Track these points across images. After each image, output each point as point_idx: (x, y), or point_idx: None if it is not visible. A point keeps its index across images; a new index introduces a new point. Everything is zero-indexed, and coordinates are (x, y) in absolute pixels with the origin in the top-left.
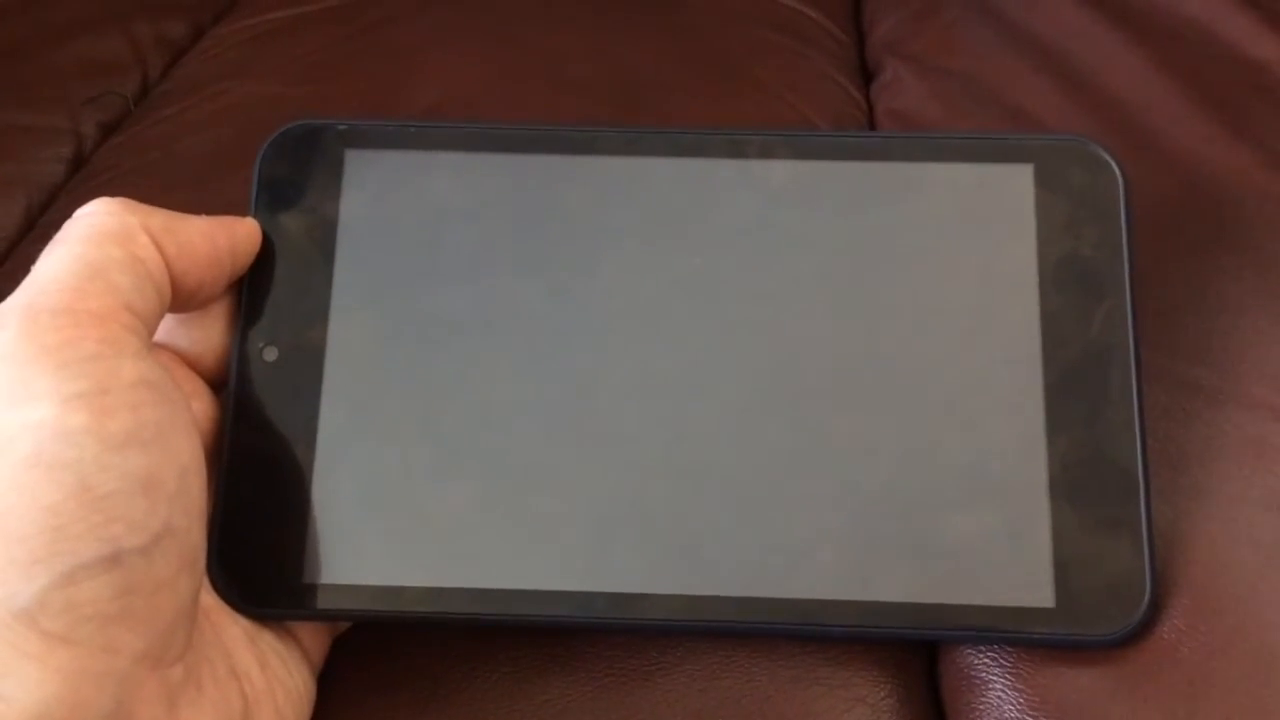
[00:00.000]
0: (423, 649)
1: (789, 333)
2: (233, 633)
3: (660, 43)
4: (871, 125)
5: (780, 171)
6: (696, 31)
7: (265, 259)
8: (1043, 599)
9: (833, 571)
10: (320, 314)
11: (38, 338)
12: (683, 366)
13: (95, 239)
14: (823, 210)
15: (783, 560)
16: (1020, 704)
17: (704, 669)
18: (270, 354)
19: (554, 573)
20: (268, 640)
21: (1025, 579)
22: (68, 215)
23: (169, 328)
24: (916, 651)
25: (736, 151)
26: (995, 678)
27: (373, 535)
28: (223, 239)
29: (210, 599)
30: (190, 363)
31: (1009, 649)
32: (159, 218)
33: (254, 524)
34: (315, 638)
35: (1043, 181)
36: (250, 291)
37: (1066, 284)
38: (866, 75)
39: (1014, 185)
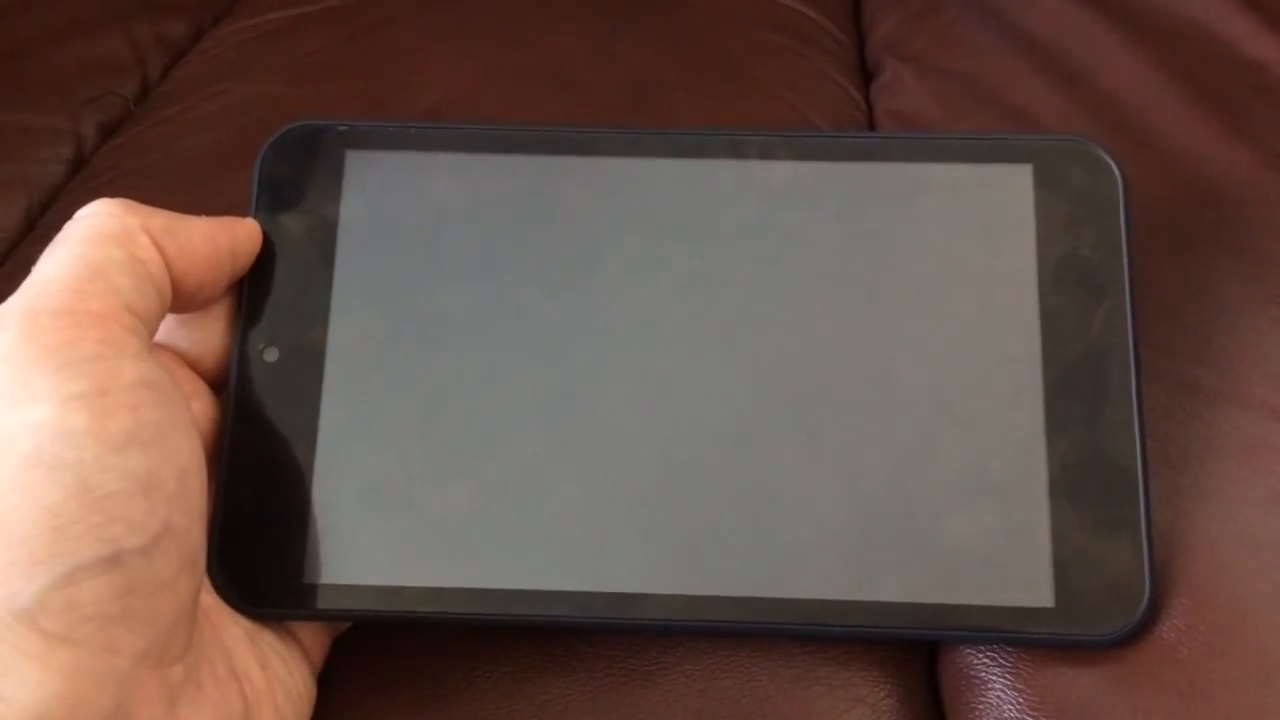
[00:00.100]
0: (423, 649)
1: (789, 333)
2: (233, 633)
3: (660, 43)
4: (871, 126)
5: (780, 172)
6: (696, 32)
7: (266, 260)
8: (1042, 599)
9: (833, 571)
10: (320, 315)
11: (38, 338)
12: (683, 367)
13: (96, 240)
14: (823, 211)
15: (783, 560)
16: (1020, 704)
17: (704, 669)
18: (271, 354)
19: (554, 573)
20: (268, 640)
21: (1025, 579)
22: (68, 216)
23: (169, 328)
24: (916, 651)
25: (736, 152)
26: (995, 678)
27: (373, 535)
28: (223, 240)
29: (210, 599)
30: (191, 363)
31: (1008, 649)
32: (159, 218)
33: (254, 524)
34: (315, 638)
35: (1042, 181)
36: (251, 292)
37: (1066, 284)
38: (866, 75)
39: (1013, 185)
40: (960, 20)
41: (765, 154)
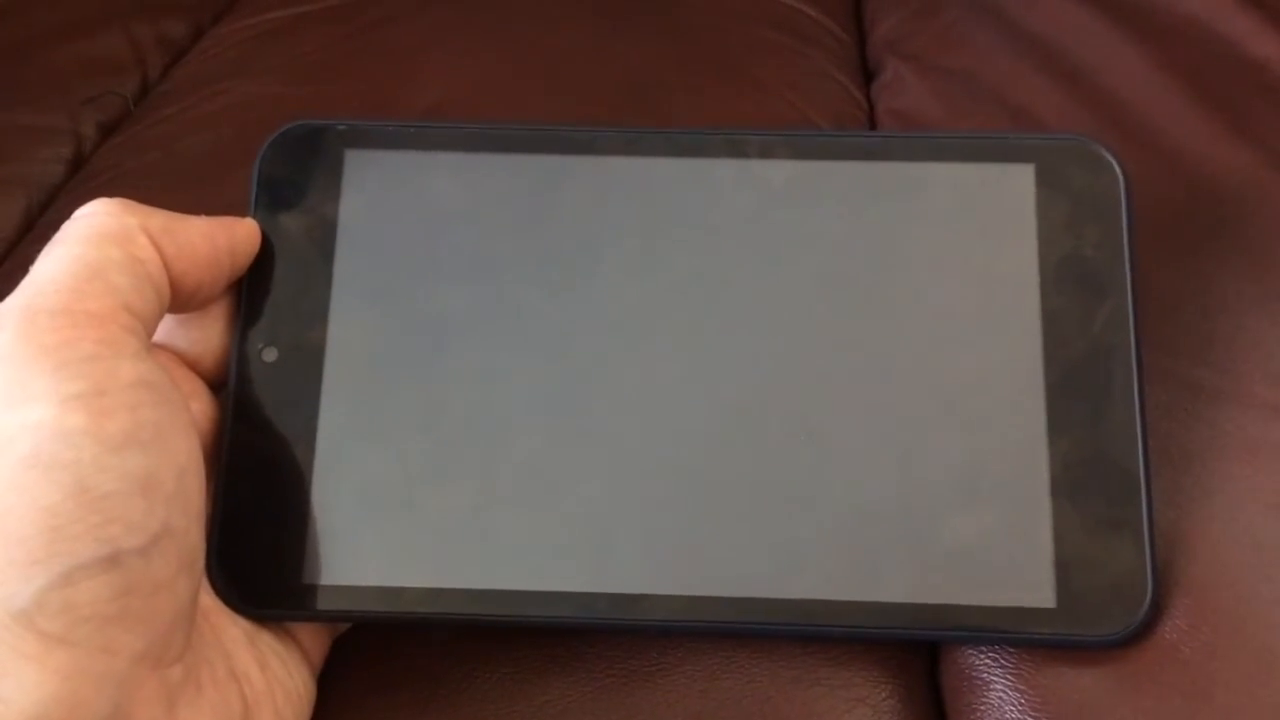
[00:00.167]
0: (423, 649)
1: (789, 333)
2: (232, 633)
3: (660, 42)
4: (872, 125)
5: (781, 171)
6: (696, 31)
7: (265, 259)
8: (1044, 599)
9: (834, 572)
10: (320, 314)
11: (36, 338)
12: (683, 366)
13: (94, 240)
14: (823, 210)
15: (783, 560)
16: (1021, 704)
17: (705, 670)
18: (270, 354)
19: (554, 573)
20: (267, 641)
21: (1026, 579)
22: (67, 215)
23: (168, 328)
24: (918, 652)
25: (737, 151)
26: (996, 678)
27: (373, 535)
28: (222, 239)
29: (209, 600)
30: (190, 363)
31: (1010, 649)
32: (158, 218)
33: (253, 524)
34: (315, 638)
35: (1044, 181)
36: (250, 292)
37: (1068, 284)
38: (867, 74)
39: (1015, 185)
40: (961, 19)
41: (766, 153)
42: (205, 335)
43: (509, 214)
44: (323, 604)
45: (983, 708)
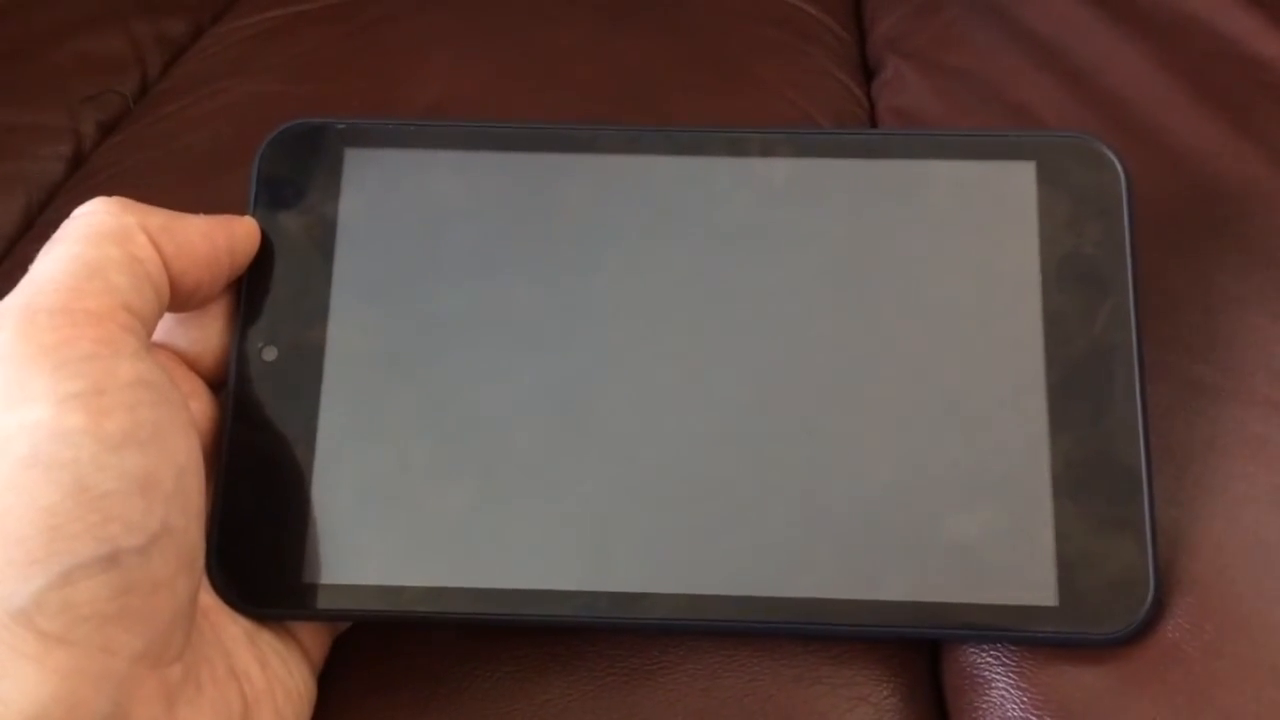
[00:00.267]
0: (423, 649)
1: (791, 331)
2: (232, 632)
3: (661, 40)
4: (873, 123)
5: (782, 169)
6: (697, 29)
7: (264, 258)
8: (1046, 597)
9: (835, 570)
10: (319, 313)
11: (35, 338)
12: (684, 365)
13: (93, 238)
14: (824, 208)
15: (785, 559)
16: (1023, 703)
17: (706, 668)
18: (269, 353)
19: (555, 572)
20: (267, 640)
21: (1028, 577)
22: (66, 214)
23: (167, 327)
24: (919, 650)
25: (737, 149)
26: (998, 676)
27: (373, 535)
28: (221, 238)
29: (209, 599)
30: (189, 362)
31: (1012, 648)
32: (157, 217)
33: (253, 524)
34: (315, 638)
35: (1045, 179)
36: (249, 291)
37: (1069, 282)
38: (868, 72)
39: (1016, 183)
40: (962, 17)
41: (766, 151)
42: (205, 334)
43: (509, 212)
44: (323, 603)
45: (984, 706)
